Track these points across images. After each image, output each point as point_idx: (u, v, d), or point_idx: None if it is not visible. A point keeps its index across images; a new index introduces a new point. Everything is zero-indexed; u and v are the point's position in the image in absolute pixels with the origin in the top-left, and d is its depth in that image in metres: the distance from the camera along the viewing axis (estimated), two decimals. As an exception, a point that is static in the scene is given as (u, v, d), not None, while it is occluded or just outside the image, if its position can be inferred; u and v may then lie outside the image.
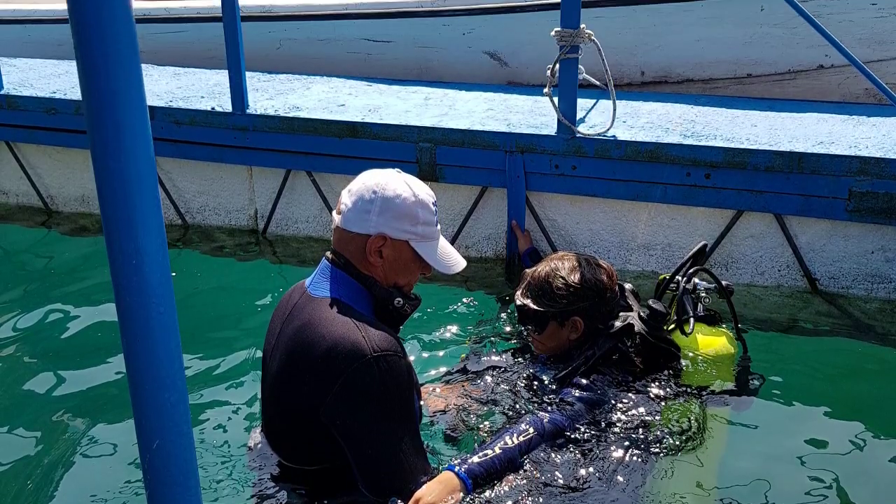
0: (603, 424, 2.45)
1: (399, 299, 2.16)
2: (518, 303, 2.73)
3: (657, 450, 2.42)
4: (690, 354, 2.69)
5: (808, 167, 3.59)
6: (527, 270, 2.79)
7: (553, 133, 3.96)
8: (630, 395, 2.56)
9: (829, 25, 3.64)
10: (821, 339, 3.65)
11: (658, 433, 2.46)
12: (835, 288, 3.84)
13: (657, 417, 2.51)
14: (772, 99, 4.71)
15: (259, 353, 2.59)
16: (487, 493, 2.15)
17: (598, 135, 3.88)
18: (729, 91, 5.01)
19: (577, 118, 3.98)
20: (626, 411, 2.51)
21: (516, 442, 2.26)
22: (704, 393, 2.65)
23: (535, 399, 2.62)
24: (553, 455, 2.32)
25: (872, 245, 3.68)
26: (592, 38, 3.75)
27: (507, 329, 3.33)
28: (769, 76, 4.95)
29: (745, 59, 4.95)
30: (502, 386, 2.71)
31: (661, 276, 2.87)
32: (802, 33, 4.46)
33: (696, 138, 3.84)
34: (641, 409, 2.51)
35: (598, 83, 4.16)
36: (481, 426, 2.54)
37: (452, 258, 2.27)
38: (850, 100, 4.78)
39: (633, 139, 3.85)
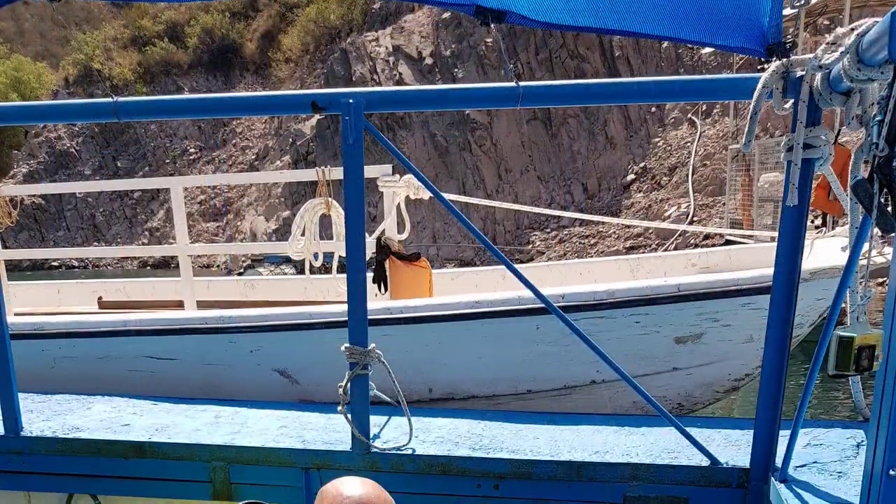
0: None
1: None
2: None
3: None
4: None
5: (586, 475, 4.12)
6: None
7: (348, 449, 4.35)
8: None
9: (599, 343, 4.20)
10: None
11: None
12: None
13: None
14: (551, 412, 5.35)
15: None
16: None
17: (394, 449, 4.32)
18: (511, 406, 5.62)
19: (372, 434, 4.41)
20: None
21: None
22: None
23: None
24: None
25: (647, 548, 4.21)
26: (382, 360, 4.26)
27: None
28: (547, 392, 5.64)
29: (523, 376, 5.62)
30: None
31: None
32: (576, 350, 5.19)
33: (485, 451, 4.31)
34: None
35: (389, 399, 4.63)
36: None
37: None
38: (620, 412, 5.51)
39: (426, 453, 4.28)
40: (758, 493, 3.88)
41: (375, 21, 48.46)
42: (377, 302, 6.06)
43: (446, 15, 38.92)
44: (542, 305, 4.30)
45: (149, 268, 45.40)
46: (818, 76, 3.15)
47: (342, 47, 44.48)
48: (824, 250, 6.33)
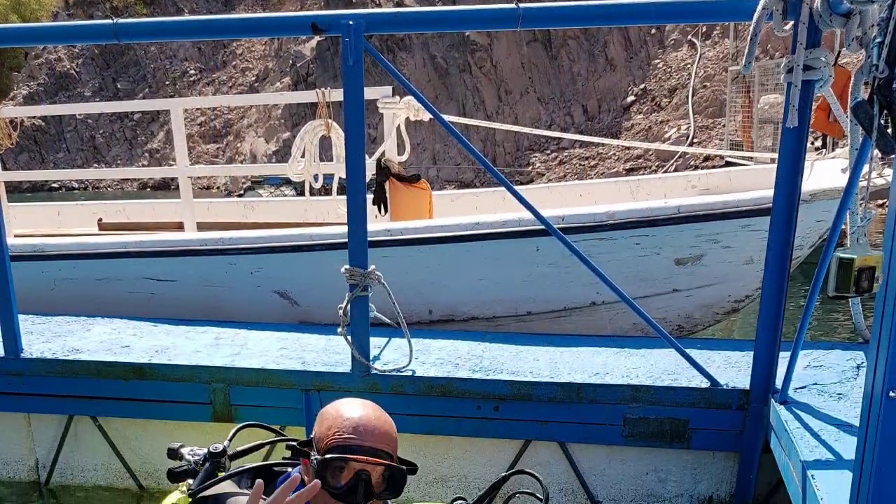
0: None
1: None
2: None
3: None
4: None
5: (586, 397, 4.12)
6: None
7: (348, 370, 4.33)
8: None
9: (599, 265, 4.21)
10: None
11: None
12: (612, 508, 4.31)
13: None
14: (551, 334, 5.32)
15: None
16: None
17: (394, 371, 4.30)
18: (511, 328, 5.59)
19: (372, 356, 4.39)
20: None
21: None
22: None
23: None
24: None
25: (646, 467, 4.22)
26: (382, 281, 4.22)
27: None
28: (547, 313, 5.60)
29: (523, 298, 5.58)
30: None
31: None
32: (576, 272, 5.14)
33: (485, 373, 4.30)
34: None
35: (389, 321, 4.60)
36: None
37: None
38: (620, 333, 5.48)
39: (426, 375, 4.27)
40: (758, 415, 3.86)
41: (376, -60, 47.48)
42: (377, 223, 5.99)
43: (446, -67, 38.17)
44: (543, 227, 4.25)
45: (149, 189, 45.04)
46: (818, -3, 3.07)
47: (342, -33, 43.69)
48: (824, 172, 6.25)
